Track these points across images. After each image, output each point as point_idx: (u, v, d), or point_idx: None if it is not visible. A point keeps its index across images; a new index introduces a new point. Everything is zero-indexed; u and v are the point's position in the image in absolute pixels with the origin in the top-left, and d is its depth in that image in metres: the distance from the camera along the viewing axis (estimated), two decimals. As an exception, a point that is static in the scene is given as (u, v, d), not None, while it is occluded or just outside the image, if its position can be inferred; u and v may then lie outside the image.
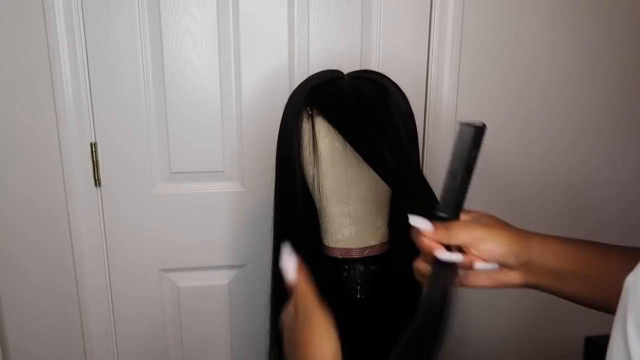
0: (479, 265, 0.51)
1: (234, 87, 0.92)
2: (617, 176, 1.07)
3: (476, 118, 1.02)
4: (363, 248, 0.71)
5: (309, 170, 0.70)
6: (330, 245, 0.72)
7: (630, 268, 0.36)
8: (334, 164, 0.68)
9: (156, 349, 1.04)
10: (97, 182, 0.93)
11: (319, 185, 0.70)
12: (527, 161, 1.05)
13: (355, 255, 0.72)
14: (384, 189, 0.70)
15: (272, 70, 0.92)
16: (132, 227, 0.96)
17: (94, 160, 0.92)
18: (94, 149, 0.91)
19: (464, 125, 0.47)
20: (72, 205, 0.93)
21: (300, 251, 0.73)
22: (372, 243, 0.72)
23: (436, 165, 1.01)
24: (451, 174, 0.49)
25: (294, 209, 0.72)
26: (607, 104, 1.04)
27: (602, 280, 0.51)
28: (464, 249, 0.52)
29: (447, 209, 0.51)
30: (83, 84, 0.88)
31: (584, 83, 1.02)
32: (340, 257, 0.72)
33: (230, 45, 0.91)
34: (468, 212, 0.55)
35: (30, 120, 0.88)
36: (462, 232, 0.51)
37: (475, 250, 0.51)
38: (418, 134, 0.73)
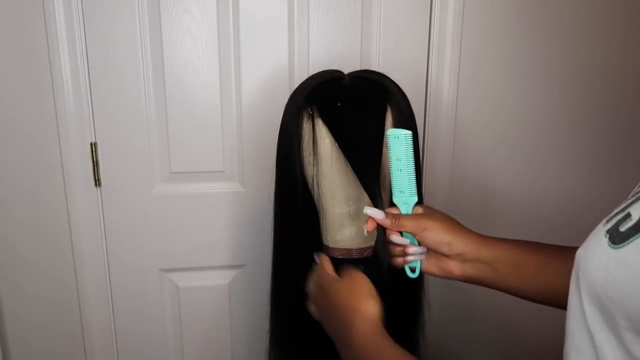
0: (410, 249, 0.63)
1: (234, 87, 0.92)
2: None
3: (477, 118, 1.03)
4: (363, 248, 0.71)
5: (309, 170, 0.70)
6: (331, 245, 0.72)
7: (565, 266, 0.40)
8: (334, 164, 0.68)
9: (156, 349, 1.04)
10: (97, 182, 0.93)
11: (319, 185, 0.69)
12: (527, 161, 1.05)
13: (356, 255, 0.72)
14: (384, 188, 0.70)
15: (272, 70, 0.92)
16: (132, 227, 0.96)
17: (94, 160, 0.92)
18: (94, 149, 0.91)
19: (396, 131, 0.61)
20: (72, 205, 0.93)
21: (301, 251, 0.74)
22: (373, 243, 0.72)
23: (436, 165, 1.01)
24: (397, 169, 0.62)
25: (294, 209, 0.72)
26: (607, 103, 1.04)
27: (538, 275, 0.58)
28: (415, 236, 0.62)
29: (401, 202, 0.64)
30: (83, 84, 0.88)
31: (584, 82, 1.02)
32: (340, 257, 0.72)
33: (230, 45, 0.90)
34: (426, 207, 0.65)
35: (31, 120, 0.88)
36: (407, 221, 0.62)
37: (418, 237, 0.62)
38: (418, 134, 0.73)
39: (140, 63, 0.89)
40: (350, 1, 0.91)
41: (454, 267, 0.62)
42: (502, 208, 1.07)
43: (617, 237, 0.35)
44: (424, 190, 0.87)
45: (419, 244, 0.64)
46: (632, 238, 0.34)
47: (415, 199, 0.64)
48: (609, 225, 0.37)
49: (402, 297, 0.66)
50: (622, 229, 0.35)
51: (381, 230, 0.64)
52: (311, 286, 0.67)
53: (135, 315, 1.01)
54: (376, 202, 0.64)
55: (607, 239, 0.36)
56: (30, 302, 0.96)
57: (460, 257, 0.61)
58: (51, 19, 0.84)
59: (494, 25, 0.96)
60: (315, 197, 0.71)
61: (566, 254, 0.57)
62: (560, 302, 0.55)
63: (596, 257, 0.37)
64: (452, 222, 0.63)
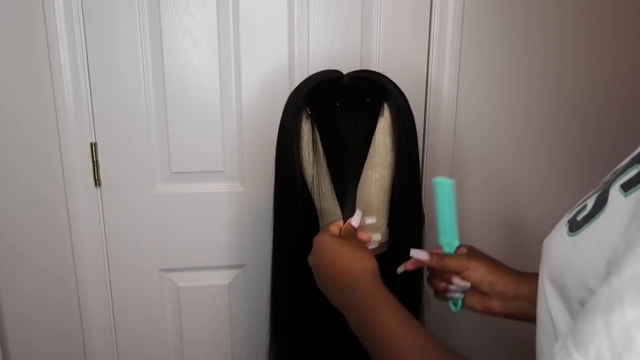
0: (454, 280, 0.66)
1: (234, 86, 0.92)
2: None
3: (476, 118, 1.03)
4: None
5: (309, 170, 0.70)
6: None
7: None
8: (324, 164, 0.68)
9: (156, 349, 1.04)
10: (97, 182, 0.93)
11: (318, 185, 0.69)
12: (527, 160, 1.04)
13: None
14: (383, 189, 0.70)
15: (272, 70, 0.92)
16: (132, 227, 0.96)
17: (94, 160, 0.92)
18: (94, 149, 0.91)
19: (443, 180, 0.65)
20: (72, 205, 0.93)
21: (301, 251, 0.74)
22: (372, 245, 0.71)
23: (436, 166, 1.01)
24: (441, 214, 0.66)
25: (294, 209, 0.72)
26: (610, 104, 1.04)
27: None
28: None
29: (445, 243, 0.68)
30: (83, 84, 0.88)
31: (584, 81, 1.02)
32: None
33: (230, 45, 0.91)
34: (469, 247, 0.68)
35: (31, 120, 0.88)
36: (451, 261, 0.65)
37: (461, 275, 0.65)
38: (417, 134, 0.73)
39: (140, 63, 0.89)
40: (350, 1, 0.91)
41: (496, 305, 0.65)
42: (502, 207, 1.07)
43: (574, 226, 0.38)
44: (423, 190, 0.87)
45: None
46: (584, 226, 0.36)
47: (457, 242, 0.67)
48: (569, 216, 0.40)
49: (401, 296, 0.65)
50: (579, 217, 0.38)
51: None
52: (314, 249, 0.66)
53: (135, 315, 1.01)
54: (343, 208, 0.66)
55: (567, 228, 0.39)
56: (30, 302, 0.96)
57: (502, 295, 0.64)
58: (51, 19, 0.84)
59: (493, 25, 0.96)
60: (315, 197, 0.71)
61: None
62: None
63: (556, 245, 0.40)
64: (494, 263, 0.66)
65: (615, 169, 0.39)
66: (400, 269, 0.68)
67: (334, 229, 0.65)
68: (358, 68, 0.89)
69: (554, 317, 0.39)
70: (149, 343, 1.03)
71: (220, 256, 1.01)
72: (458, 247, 0.68)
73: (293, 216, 0.73)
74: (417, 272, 0.72)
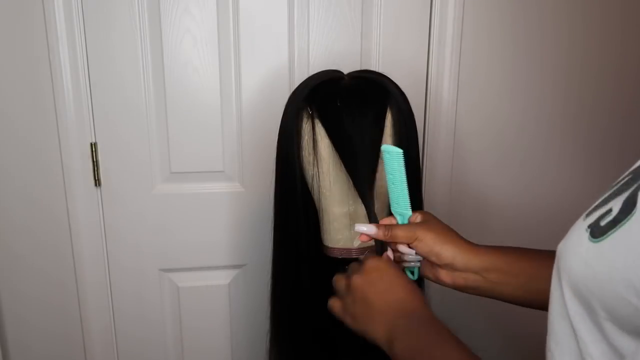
0: (405, 257, 0.65)
1: (234, 87, 0.92)
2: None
3: (476, 117, 1.03)
4: (363, 248, 0.71)
5: (309, 170, 0.70)
6: (331, 245, 0.72)
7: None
8: (333, 164, 0.68)
9: (156, 349, 1.04)
10: (97, 182, 0.93)
11: (319, 185, 0.70)
12: (526, 160, 1.05)
13: (356, 255, 0.72)
14: (384, 188, 0.70)
15: (272, 70, 0.92)
16: (132, 228, 0.96)
17: (94, 160, 0.92)
18: (94, 149, 0.91)
19: (390, 148, 0.63)
20: (72, 205, 0.93)
21: (301, 251, 0.74)
22: (372, 243, 0.72)
23: (436, 166, 1.01)
24: (392, 183, 0.64)
25: (294, 209, 0.72)
26: (604, 106, 1.04)
27: (530, 281, 0.59)
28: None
29: (397, 213, 0.66)
30: (83, 84, 0.88)
31: (584, 81, 1.02)
32: (340, 257, 0.72)
33: (230, 45, 0.90)
34: (424, 214, 0.66)
35: (31, 120, 0.88)
36: (399, 232, 0.63)
37: (411, 247, 0.63)
38: (418, 134, 0.73)
39: (140, 63, 0.89)
40: (350, 1, 0.91)
41: (444, 276, 0.64)
42: (501, 207, 1.07)
43: (597, 231, 0.36)
44: (423, 190, 0.87)
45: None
46: (611, 232, 0.35)
47: (410, 212, 0.65)
48: (590, 220, 0.38)
49: None
50: (602, 223, 0.36)
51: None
52: (366, 271, 0.62)
53: (135, 315, 1.01)
54: (368, 205, 0.66)
55: (587, 233, 0.37)
56: (30, 304, 0.96)
57: (449, 267, 0.63)
58: (51, 19, 0.84)
59: (493, 25, 0.96)
60: (315, 197, 0.71)
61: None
62: None
63: (577, 251, 0.38)
64: (445, 233, 0.63)
65: (634, 168, 0.38)
66: (355, 242, 0.68)
67: (388, 256, 0.65)
68: (358, 68, 0.89)
69: (577, 330, 0.37)
70: (149, 344, 1.03)
71: (220, 256, 1.01)
72: (414, 213, 0.66)
73: (293, 216, 0.73)
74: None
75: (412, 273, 0.67)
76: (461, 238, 0.64)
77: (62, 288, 0.97)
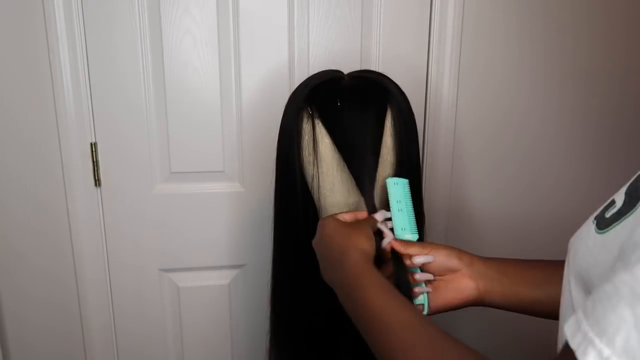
0: (417, 276, 0.63)
1: (234, 87, 0.93)
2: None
3: (476, 117, 1.03)
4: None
5: (309, 170, 0.70)
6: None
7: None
8: (334, 164, 0.68)
9: (156, 349, 1.04)
10: (97, 182, 0.93)
11: (319, 185, 0.70)
12: (527, 159, 1.05)
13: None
14: (384, 188, 0.70)
15: (272, 70, 0.92)
16: (132, 227, 0.96)
17: (94, 160, 0.92)
18: (94, 149, 0.91)
19: (397, 180, 0.67)
20: (73, 205, 0.93)
21: (300, 251, 0.74)
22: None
23: (437, 165, 1.01)
24: (398, 209, 0.66)
25: (294, 209, 0.72)
26: (609, 105, 1.04)
27: (544, 285, 0.59)
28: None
29: (403, 235, 0.66)
30: (83, 84, 0.88)
31: (584, 81, 1.02)
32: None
33: (230, 45, 0.91)
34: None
35: (31, 120, 0.88)
36: (415, 246, 0.63)
37: (425, 265, 0.63)
38: (418, 134, 0.73)
39: (140, 63, 0.89)
40: (350, 1, 0.91)
41: (468, 281, 0.63)
42: (501, 206, 1.07)
43: (602, 223, 0.37)
44: (423, 190, 0.87)
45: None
46: (615, 223, 0.35)
47: (416, 236, 0.66)
48: (597, 212, 0.39)
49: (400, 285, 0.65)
50: (607, 215, 0.37)
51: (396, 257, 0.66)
52: (317, 229, 0.66)
53: (136, 315, 1.01)
54: (370, 200, 0.66)
55: (594, 225, 0.38)
56: (30, 302, 0.96)
57: (471, 269, 0.62)
58: (51, 19, 0.84)
59: (493, 25, 0.96)
60: (315, 197, 0.71)
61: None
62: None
63: (584, 243, 0.38)
64: (456, 247, 0.65)
65: None
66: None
67: (345, 216, 0.66)
68: (358, 68, 0.89)
69: None
70: (149, 343, 1.03)
71: (220, 256, 1.01)
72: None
73: (293, 216, 0.73)
74: None
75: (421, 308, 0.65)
76: (473, 254, 0.65)
77: (62, 287, 0.97)
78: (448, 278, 0.63)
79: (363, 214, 0.66)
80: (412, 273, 0.64)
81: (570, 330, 0.30)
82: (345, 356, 0.76)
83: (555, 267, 0.59)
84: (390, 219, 0.66)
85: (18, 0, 0.83)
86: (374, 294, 0.52)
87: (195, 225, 0.98)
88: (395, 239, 0.64)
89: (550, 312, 0.58)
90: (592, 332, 0.28)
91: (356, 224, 0.64)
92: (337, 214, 0.66)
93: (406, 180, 0.67)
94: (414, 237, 0.66)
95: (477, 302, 0.63)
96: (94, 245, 0.96)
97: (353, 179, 0.67)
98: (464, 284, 0.63)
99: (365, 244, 0.59)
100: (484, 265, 0.62)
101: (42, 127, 0.88)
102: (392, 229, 0.66)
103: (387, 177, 0.66)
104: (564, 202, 1.07)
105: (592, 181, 1.07)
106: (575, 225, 0.43)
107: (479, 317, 1.10)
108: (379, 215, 0.65)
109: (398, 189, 0.66)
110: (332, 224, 0.63)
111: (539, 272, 0.61)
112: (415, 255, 0.62)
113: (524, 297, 0.61)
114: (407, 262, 0.63)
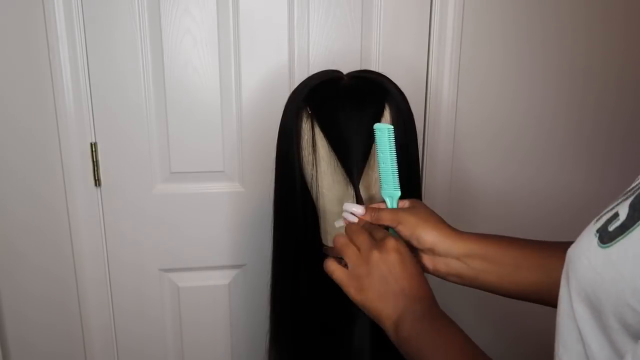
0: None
1: (234, 87, 0.93)
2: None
3: (476, 117, 1.03)
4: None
5: (309, 170, 0.70)
6: (330, 245, 0.72)
7: (545, 261, 0.42)
8: (333, 164, 0.68)
9: (156, 349, 1.04)
10: (97, 182, 0.93)
11: (318, 184, 0.70)
12: (526, 159, 1.05)
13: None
14: (377, 187, 0.70)
15: (272, 70, 0.92)
16: (132, 227, 0.96)
17: (94, 160, 0.92)
18: (94, 149, 0.91)
19: (381, 125, 0.63)
20: (73, 204, 0.93)
21: (300, 251, 0.74)
22: None
23: (436, 165, 1.01)
24: (382, 162, 0.63)
25: (294, 209, 0.72)
26: (606, 104, 1.04)
27: (516, 271, 0.58)
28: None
29: (387, 195, 0.65)
30: (83, 84, 0.88)
31: (583, 81, 1.02)
32: (340, 256, 0.72)
33: (230, 45, 0.91)
34: (412, 201, 0.65)
35: (31, 120, 0.88)
36: (385, 214, 0.62)
37: (395, 230, 0.62)
38: (418, 134, 0.73)
39: (140, 63, 0.89)
40: (350, 1, 0.91)
41: (426, 261, 0.62)
42: (501, 207, 1.07)
43: (605, 237, 0.36)
44: (423, 190, 0.87)
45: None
46: (620, 237, 0.34)
47: (399, 192, 0.64)
48: (598, 225, 0.38)
49: None
50: (611, 228, 0.36)
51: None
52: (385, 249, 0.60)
53: (136, 315, 1.01)
54: (356, 190, 0.66)
55: (596, 239, 0.37)
56: (31, 302, 0.96)
57: (431, 252, 0.61)
58: (51, 19, 0.84)
59: (493, 25, 0.96)
60: (315, 197, 0.71)
61: (545, 248, 0.58)
62: (540, 298, 0.56)
63: (585, 257, 0.37)
64: (428, 218, 0.62)
65: None
66: (337, 223, 0.66)
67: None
68: (358, 68, 0.88)
69: (583, 334, 0.37)
70: (149, 342, 1.03)
71: (220, 256, 1.01)
72: (400, 199, 0.65)
73: (293, 216, 0.73)
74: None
75: None
76: (445, 224, 0.62)
77: (62, 286, 0.97)
78: (412, 248, 0.62)
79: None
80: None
81: None
82: (345, 356, 0.76)
83: (532, 249, 0.59)
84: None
85: (18, 0, 0.83)
86: (461, 337, 0.51)
87: (195, 225, 0.98)
88: (366, 208, 0.63)
89: (514, 295, 0.59)
90: None
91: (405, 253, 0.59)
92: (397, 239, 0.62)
93: (391, 127, 0.62)
94: (397, 193, 0.64)
95: (435, 275, 0.63)
96: (94, 245, 0.96)
97: (347, 177, 0.67)
98: (422, 260, 0.63)
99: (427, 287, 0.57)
100: (448, 247, 0.60)
101: (42, 127, 0.89)
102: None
103: (376, 124, 0.63)
104: (563, 202, 1.07)
105: (590, 181, 1.07)
106: (573, 225, 0.43)
107: (479, 317, 1.10)
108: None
109: (383, 137, 0.62)
110: (408, 253, 0.58)
111: (514, 255, 0.59)
112: (384, 224, 0.62)
113: (482, 284, 0.61)
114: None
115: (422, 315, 0.54)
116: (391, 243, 0.58)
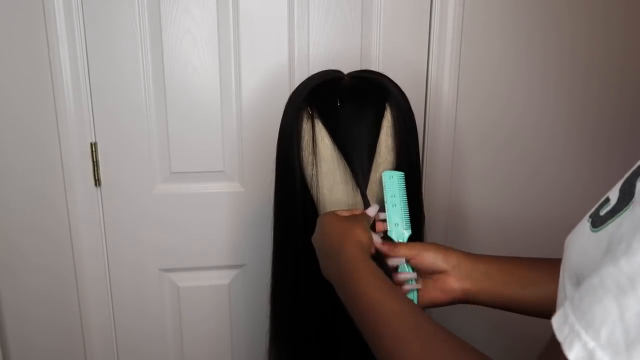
0: (400, 276, 0.63)
1: (234, 87, 0.92)
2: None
3: (476, 117, 1.03)
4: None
5: (309, 170, 0.70)
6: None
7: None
8: (333, 164, 0.68)
9: (156, 348, 1.04)
10: (97, 182, 0.93)
11: (318, 185, 0.70)
12: (526, 159, 1.05)
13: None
14: (381, 185, 0.70)
15: (272, 70, 0.92)
16: (132, 228, 0.96)
17: (94, 160, 0.92)
18: (94, 149, 0.91)
19: (391, 172, 0.67)
20: (73, 204, 0.93)
21: (300, 251, 0.74)
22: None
23: (436, 165, 1.01)
24: (392, 204, 0.66)
25: (294, 209, 0.72)
26: (607, 102, 1.04)
27: (536, 283, 0.59)
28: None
29: (397, 234, 0.66)
30: (83, 84, 0.88)
31: (584, 81, 1.02)
32: None
33: (230, 45, 0.91)
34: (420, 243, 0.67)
35: (31, 120, 0.88)
36: (402, 248, 0.64)
37: (413, 262, 0.64)
38: (418, 134, 0.73)
39: (140, 63, 0.89)
40: (350, 1, 0.91)
41: (454, 282, 0.63)
42: (501, 207, 1.07)
43: (597, 221, 0.37)
44: (423, 190, 0.87)
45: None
46: (609, 221, 0.35)
47: (409, 232, 0.66)
48: (592, 210, 0.39)
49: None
50: (602, 213, 0.37)
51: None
52: (317, 228, 0.67)
53: (136, 314, 1.01)
54: (366, 201, 0.67)
55: (589, 224, 0.38)
56: (31, 301, 0.96)
57: (457, 271, 0.63)
58: (51, 19, 0.84)
59: (493, 25, 0.96)
60: (315, 197, 0.71)
61: (553, 264, 0.59)
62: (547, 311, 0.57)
63: (578, 241, 0.38)
64: (444, 246, 0.65)
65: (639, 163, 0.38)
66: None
67: (343, 212, 0.66)
68: (358, 68, 0.89)
69: None
70: (149, 342, 1.03)
71: (220, 256, 1.01)
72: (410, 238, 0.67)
73: (293, 216, 0.73)
74: None
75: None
76: (462, 251, 0.64)
77: (63, 286, 0.97)
78: (435, 277, 0.64)
79: (359, 210, 0.67)
80: (397, 273, 0.64)
81: (557, 323, 0.30)
82: (345, 356, 0.76)
83: (542, 265, 0.60)
84: (384, 219, 0.67)
85: (18, 0, 0.83)
86: (368, 285, 0.53)
87: (195, 225, 0.98)
88: (382, 241, 0.64)
89: (537, 311, 0.60)
90: (579, 324, 0.29)
91: (353, 217, 0.64)
92: (335, 210, 0.67)
93: (402, 174, 0.66)
94: (407, 232, 0.66)
95: (463, 301, 0.64)
96: (94, 244, 0.96)
97: (352, 178, 0.67)
98: (449, 285, 0.63)
99: (361, 236, 0.60)
100: (471, 265, 0.62)
101: (42, 126, 0.89)
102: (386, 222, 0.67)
103: (384, 171, 0.67)
104: (563, 200, 1.07)
105: (589, 179, 1.07)
106: (572, 223, 0.43)
107: (479, 317, 1.10)
108: (371, 210, 0.66)
109: (393, 183, 0.66)
110: (329, 218, 0.64)
111: (526, 272, 0.61)
112: (400, 256, 0.63)
113: (509, 297, 0.61)
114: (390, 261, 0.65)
115: (342, 270, 0.57)
116: (318, 219, 0.64)
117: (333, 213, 0.65)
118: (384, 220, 0.67)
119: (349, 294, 0.55)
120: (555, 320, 0.31)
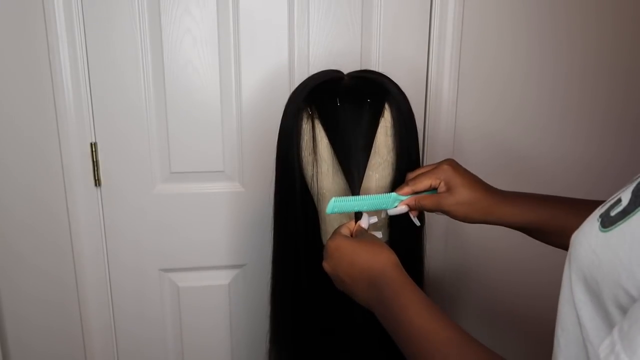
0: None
1: (234, 87, 0.92)
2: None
3: (476, 117, 1.03)
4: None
5: (309, 170, 0.70)
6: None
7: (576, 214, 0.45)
8: (333, 164, 0.68)
9: (156, 349, 1.04)
10: (97, 182, 0.93)
11: (318, 185, 0.70)
12: (530, 160, 1.05)
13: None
14: (384, 189, 0.70)
15: (272, 70, 0.92)
16: (132, 227, 0.96)
17: (94, 160, 0.92)
18: (94, 149, 0.91)
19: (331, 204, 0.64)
20: (73, 205, 0.93)
21: (300, 251, 0.74)
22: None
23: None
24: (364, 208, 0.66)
25: (294, 209, 0.72)
26: (604, 101, 1.04)
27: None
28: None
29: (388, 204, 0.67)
30: (83, 84, 0.88)
31: (584, 80, 1.02)
32: None
33: (230, 45, 0.91)
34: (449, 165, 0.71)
35: (31, 120, 0.88)
36: (426, 201, 0.67)
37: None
38: (418, 134, 0.73)
39: (140, 63, 0.89)
40: (350, 1, 0.91)
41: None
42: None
43: (607, 221, 0.37)
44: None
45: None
46: (620, 222, 0.35)
47: (394, 194, 0.66)
48: (602, 210, 0.39)
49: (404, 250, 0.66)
50: (613, 213, 0.37)
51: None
52: (329, 254, 0.64)
53: (135, 315, 1.01)
54: (357, 216, 0.67)
55: (598, 223, 0.38)
56: (30, 302, 0.96)
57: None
58: (51, 19, 0.84)
59: (493, 25, 0.96)
60: (315, 197, 0.71)
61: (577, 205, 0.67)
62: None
63: (586, 240, 0.38)
64: (472, 187, 0.71)
65: None
66: (372, 219, 0.68)
67: (345, 231, 0.64)
68: (358, 68, 0.88)
69: (580, 316, 0.38)
70: (149, 343, 1.03)
71: (220, 256, 1.01)
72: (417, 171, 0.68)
73: (293, 216, 0.73)
74: (418, 250, 0.76)
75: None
76: (489, 188, 0.71)
77: (62, 287, 0.97)
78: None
79: (351, 225, 0.66)
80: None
81: (605, 353, 0.31)
82: (345, 356, 0.76)
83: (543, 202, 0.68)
84: (375, 223, 0.67)
85: (18, 0, 0.83)
86: (415, 313, 0.52)
87: (195, 225, 0.98)
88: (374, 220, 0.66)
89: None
90: (624, 353, 0.29)
91: (366, 237, 0.62)
92: (337, 231, 0.64)
93: (333, 199, 0.63)
94: (395, 196, 0.66)
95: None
96: (94, 245, 0.96)
97: (346, 179, 0.67)
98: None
99: (391, 255, 0.58)
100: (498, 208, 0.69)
101: (42, 127, 0.89)
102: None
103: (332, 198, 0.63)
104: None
105: (595, 183, 1.07)
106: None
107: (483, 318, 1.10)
108: (364, 222, 0.66)
109: (343, 207, 0.63)
110: (345, 244, 0.61)
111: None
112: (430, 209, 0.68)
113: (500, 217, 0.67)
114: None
115: (381, 295, 0.56)
116: (329, 245, 0.62)
117: (342, 236, 0.62)
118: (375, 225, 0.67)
119: (394, 320, 0.54)
120: (604, 349, 0.31)
